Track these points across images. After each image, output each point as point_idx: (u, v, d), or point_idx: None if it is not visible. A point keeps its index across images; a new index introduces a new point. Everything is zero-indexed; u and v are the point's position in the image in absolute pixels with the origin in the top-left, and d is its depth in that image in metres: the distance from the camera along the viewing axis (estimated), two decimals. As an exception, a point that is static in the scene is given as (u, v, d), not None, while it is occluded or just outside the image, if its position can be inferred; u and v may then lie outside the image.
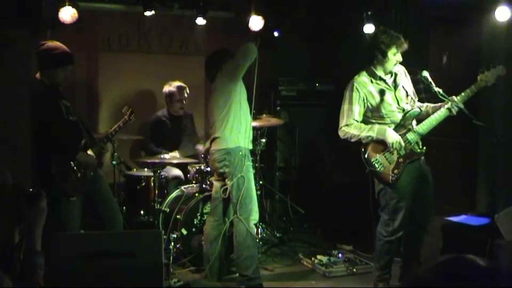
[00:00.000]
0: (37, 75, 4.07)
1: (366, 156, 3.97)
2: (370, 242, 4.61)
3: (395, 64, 3.95)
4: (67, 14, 4.90)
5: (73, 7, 4.92)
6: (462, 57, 5.46)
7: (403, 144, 3.89)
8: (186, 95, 5.75)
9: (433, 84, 3.84)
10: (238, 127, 4.30)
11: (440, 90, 3.81)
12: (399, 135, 3.93)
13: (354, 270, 4.72)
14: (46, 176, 3.86)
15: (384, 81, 3.99)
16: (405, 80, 4.10)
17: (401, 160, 3.93)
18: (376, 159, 3.95)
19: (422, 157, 4.03)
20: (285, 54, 6.52)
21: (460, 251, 1.16)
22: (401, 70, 4.09)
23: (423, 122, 3.96)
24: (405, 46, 3.90)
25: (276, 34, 6.08)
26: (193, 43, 6.49)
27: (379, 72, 3.97)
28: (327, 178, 6.12)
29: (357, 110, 3.95)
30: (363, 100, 3.96)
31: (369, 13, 5.43)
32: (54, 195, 3.91)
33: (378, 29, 3.99)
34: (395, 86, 4.02)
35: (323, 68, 6.59)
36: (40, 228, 2.22)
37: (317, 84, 6.44)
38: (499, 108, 4.96)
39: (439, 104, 3.94)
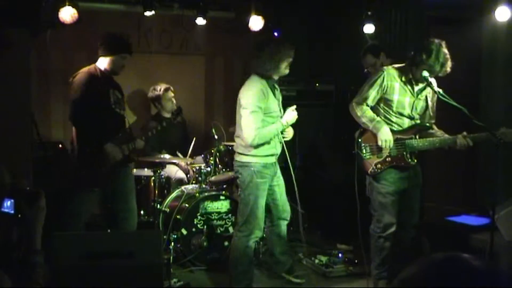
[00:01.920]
0: (97, 62, 4.22)
1: (360, 139, 4.03)
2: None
3: (423, 79, 3.85)
4: (67, 14, 4.90)
5: (73, 7, 4.92)
6: (462, 57, 5.45)
7: (392, 146, 3.89)
8: (172, 94, 5.85)
9: (434, 84, 3.83)
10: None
11: (441, 90, 3.80)
12: (400, 137, 3.93)
13: (354, 270, 4.72)
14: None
15: (412, 85, 3.95)
16: (430, 96, 4.04)
17: (388, 159, 3.94)
18: (367, 146, 3.99)
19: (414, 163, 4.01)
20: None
21: (459, 251, 1.15)
22: (435, 86, 3.93)
23: (427, 138, 3.96)
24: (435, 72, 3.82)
25: (276, 34, 6.08)
26: (193, 43, 6.49)
27: (415, 75, 3.90)
28: (327, 178, 6.11)
29: (373, 96, 3.97)
30: (383, 90, 3.95)
31: (369, 13, 5.44)
32: (76, 182, 4.04)
33: (439, 44, 3.87)
34: (418, 94, 3.98)
35: (323, 68, 6.58)
36: (40, 227, 2.22)
37: (317, 84, 6.44)
38: (499, 108, 4.95)
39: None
